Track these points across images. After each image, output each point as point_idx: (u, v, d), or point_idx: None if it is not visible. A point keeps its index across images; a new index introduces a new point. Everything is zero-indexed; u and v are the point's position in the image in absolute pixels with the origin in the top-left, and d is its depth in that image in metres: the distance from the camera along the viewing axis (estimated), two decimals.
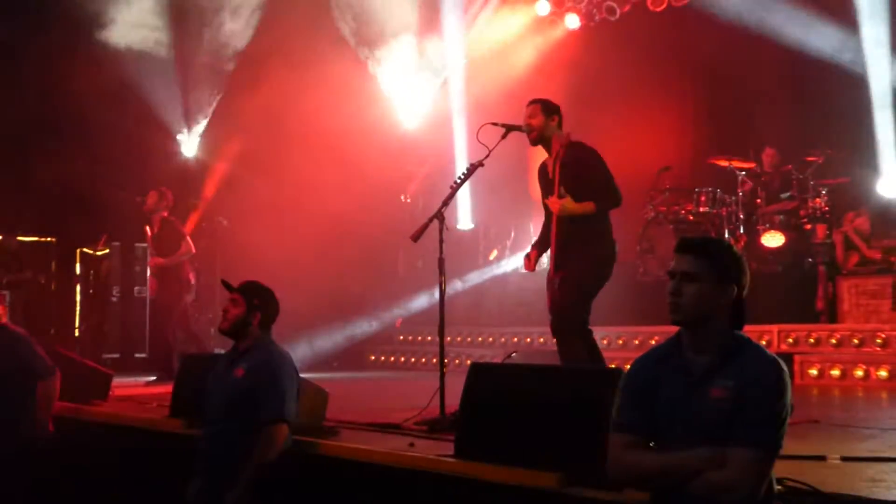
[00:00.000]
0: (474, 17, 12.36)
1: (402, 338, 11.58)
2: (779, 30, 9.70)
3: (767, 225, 8.96)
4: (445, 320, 5.42)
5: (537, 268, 5.60)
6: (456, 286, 11.02)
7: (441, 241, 5.35)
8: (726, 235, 9.01)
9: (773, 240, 8.84)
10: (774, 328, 8.17)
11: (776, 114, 9.77)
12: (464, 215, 12.12)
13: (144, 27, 11.39)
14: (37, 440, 5.79)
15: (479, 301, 11.44)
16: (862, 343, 7.78)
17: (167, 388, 6.20)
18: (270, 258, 9.55)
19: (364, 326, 11.49)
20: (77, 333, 10.67)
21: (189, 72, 12.02)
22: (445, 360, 5.48)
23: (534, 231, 10.49)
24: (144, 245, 10.23)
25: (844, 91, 9.25)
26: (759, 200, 9.24)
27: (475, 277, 11.50)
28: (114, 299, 11.03)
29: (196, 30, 11.77)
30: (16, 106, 10.13)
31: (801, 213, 8.93)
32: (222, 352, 5.57)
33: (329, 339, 11.13)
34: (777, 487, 2.70)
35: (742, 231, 9.12)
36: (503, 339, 10.33)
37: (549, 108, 5.48)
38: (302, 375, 4.62)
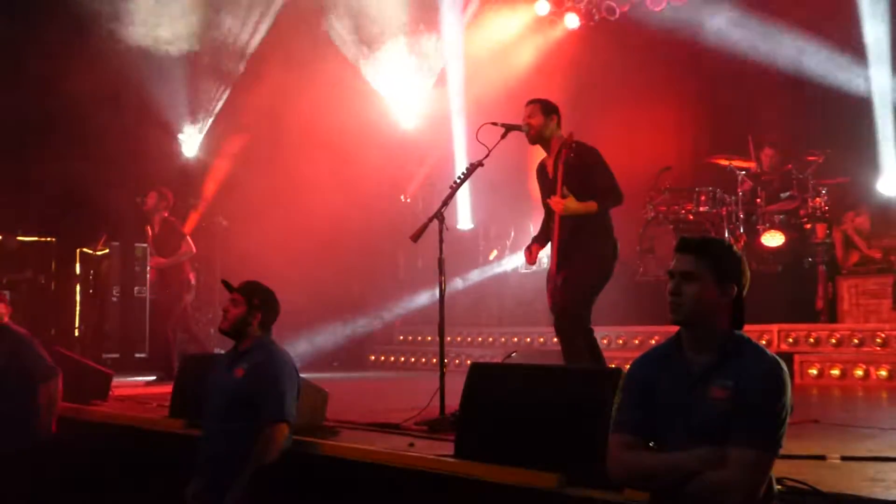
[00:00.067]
0: (473, 15, 12.34)
1: (402, 338, 11.59)
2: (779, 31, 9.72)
3: (767, 224, 8.94)
4: (445, 320, 5.43)
5: (537, 266, 5.60)
6: (456, 285, 11.02)
7: (441, 241, 5.35)
8: (726, 235, 8.99)
9: (773, 239, 8.83)
10: (774, 328, 8.18)
11: (776, 114, 9.76)
12: (464, 215, 12.09)
13: (147, 25, 11.36)
14: (39, 441, 5.78)
15: (479, 301, 11.45)
16: (862, 343, 7.78)
17: (167, 388, 6.20)
18: (270, 258, 9.55)
19: (364, 326, 11.50)
20: (77, 333, 10.65)
21: (195, 70, 11.99)
22: (445, 360, 5.49)
23: (533, 231, 10.45)
24: (144, 245, 10.24)
25: (844, 91, 9.24)
26: (759, 200, 9.22)
27: (475, 277, 11.50)
28: (114, 299, 11.04)
29: (202, 28, 11.73)
30: (16, 106, 10.11)
31: (801, 212, 8.91)
32: (222, 352, 5.57)
33: (329, 339, 11.13)
34: (777, 487, 2.70)
35: (742, 231, 9.10)
36: (503, 339, 10.34)
37: (547, 108, 5.49)
38: (302, 375, 4.62)
